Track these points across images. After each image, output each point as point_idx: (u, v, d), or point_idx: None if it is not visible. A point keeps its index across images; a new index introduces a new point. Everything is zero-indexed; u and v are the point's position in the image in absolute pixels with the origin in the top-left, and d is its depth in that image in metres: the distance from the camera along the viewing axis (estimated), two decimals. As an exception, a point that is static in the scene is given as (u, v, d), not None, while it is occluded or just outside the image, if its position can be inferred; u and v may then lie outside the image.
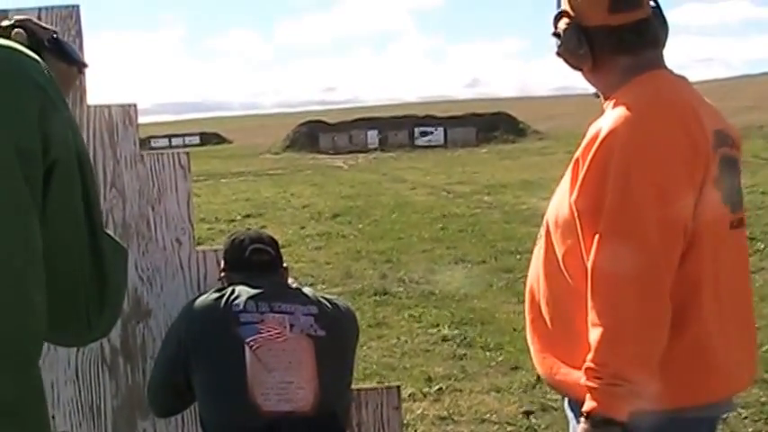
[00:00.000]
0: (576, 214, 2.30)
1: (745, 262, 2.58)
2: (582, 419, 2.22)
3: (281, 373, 2.83)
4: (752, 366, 2.62)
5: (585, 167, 2.26)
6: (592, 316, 2.21)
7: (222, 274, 3.22)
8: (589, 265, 2.24)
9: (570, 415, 2.52)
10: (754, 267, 10.34)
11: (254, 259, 3.11)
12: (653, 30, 2.45)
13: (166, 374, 3.03)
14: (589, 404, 2.20)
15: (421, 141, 54.61)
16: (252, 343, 2.85)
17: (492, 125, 56.32)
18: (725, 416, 5.45)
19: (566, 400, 2.57)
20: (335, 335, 2.97)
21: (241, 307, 2.91)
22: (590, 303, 2.22)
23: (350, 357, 3.09)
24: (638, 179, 2.19)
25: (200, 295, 3.07)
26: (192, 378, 2.92)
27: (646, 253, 2.18)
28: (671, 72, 2.47)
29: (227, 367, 2.87)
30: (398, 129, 56.95)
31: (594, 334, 2.19)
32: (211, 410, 2.90)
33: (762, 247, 11.48)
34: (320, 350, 2.90)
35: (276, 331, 2.88)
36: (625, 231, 2.19)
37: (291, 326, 2.90)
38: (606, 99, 2.45)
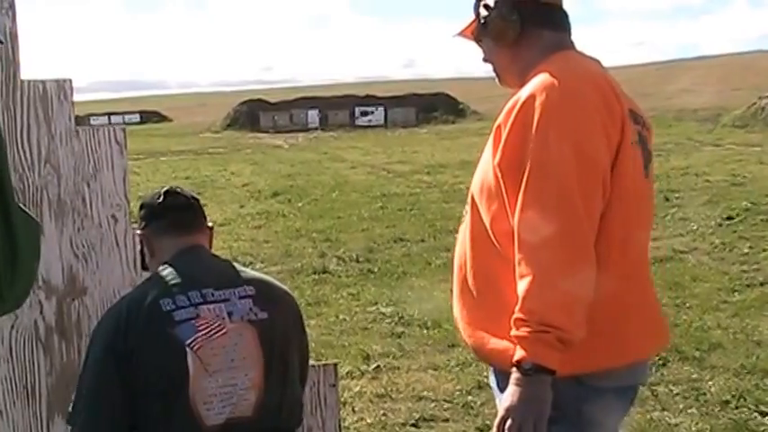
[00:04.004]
0: (499, 176, 2.39)
1: (649, 230, 2.68)
2: (513, 370, 2.26)
3: (224, 375, 2.58)
4: (662, 332, 2.72)
5: (507, 131, 2.37)
6: (519, 268, 2.27)
7: (140, 233, 2.91)
8: (515, 220, 2.31)
9: (495, 387, 2.57)
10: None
11: (169, 202, 2.82)
12: (568, 20, 2.62)
13: (102, 400, 2.59)
14: (519, 353, 2.24)
15: (361, 121, 54.58)
16: (193, 344, 2.56)
17: (432, 106, 56.41)
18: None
19: (491, 374, 2.62)
20: (277, 314, 2.74)
21: (172, 304, 2.60)
22: (517, 257, 2.28)
23: (296, 339, 2.86)
24: (556, 138, 2.28)
25: (118, 305, 2.73)
26: (133, 401, 2.58)
27: (567, 204, 2.25)
28: (584, 54, 2.60)
29: (168, 377, 2.56)
30: (339, 108, 56.87)
31: (522, 284, 2.25)
32: (148, 428, 2.60)
33: (694, 227, 11.68)
34: (264, 335, 2.66)
35: (215, 324, 2.60)
36: (546, 186, 2.27)
37: (230, 314, 2.64)
38: (522, 82, 2.51)
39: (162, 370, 2.57)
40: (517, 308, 2.25)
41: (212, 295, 2.65)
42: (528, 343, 2.22)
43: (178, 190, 2.88)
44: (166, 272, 2.71)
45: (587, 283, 2.26)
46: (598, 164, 2.31)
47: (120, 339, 2.57)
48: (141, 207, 2.90)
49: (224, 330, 2.61)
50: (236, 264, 2.89)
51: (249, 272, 2.86)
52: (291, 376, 2.79)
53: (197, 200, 2.93)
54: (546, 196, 2.26)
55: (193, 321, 2.59)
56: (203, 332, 2.59)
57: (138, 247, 3.09)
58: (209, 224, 2.95)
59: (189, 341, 2.56)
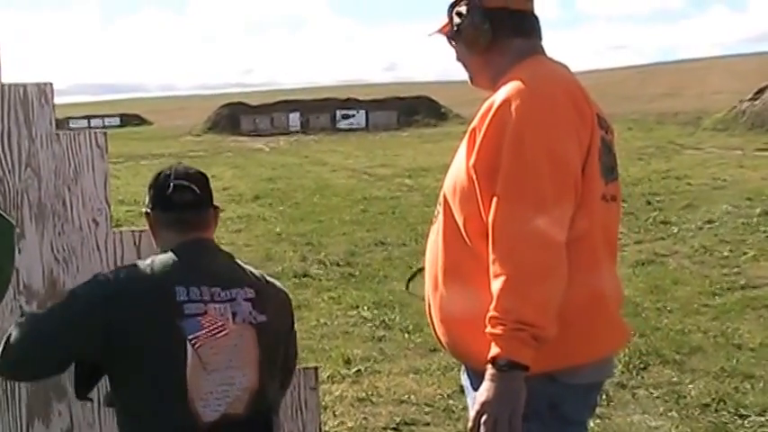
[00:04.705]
0: (474, 177, 2.44)
1: (617, 228, 2.72)
2: (488, 366, 2.30)
3: (222, 374, 2.62)
4: (626, 327, 2.76)
5: (482, 134, 2.42)
6: (494, 268, 2.32)
7: (147, 211, 2.86)
8: (490, 220, 2.35)
9: (468, 386, 2.62)
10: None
11: (176, 198, 2.77)
12: (539, 25, 2.68)
13: (65, 332, 2.60)
14: (494, 351, 2.29)
15: (343, 124, 54.64)
16: (194, 341, 2.58)
17: (413, 109, 56.54)
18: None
19: (463, 372, 2.69)
20: (274, 317, 2.79)
21: (186, 295, 2.61)
22: (491, 257, 2.33)
23: (287, 342, 2.94)
24: (531, 141, 2.34)
25: (132, 267, 2.76)
26: (112, 371, 2.65)
27: (540, 206, 2.30)
28: (554, 60, 2.66)
29: (166, 369, 2.58)
30: (320, 112, 56.91)
31: (497, 284, 2.30)
32: (142, 421, 2.63)
33: (675, 230, 11.74)
34: (262, 337, 2.71)
35: (219, 324, 2.63)
36: (521, 188, 2.32)
37: (234, 314, 2.67)
38: (494, 86, 2.55)
39: (159, 357, 2.59)
40: (492, 306, 2.29)
41: (219, 295, 2.68)
42: (503, 340, 2.27)
43: (185, 183, 2.80)
44: (178, 259, 2.71)
45: (559, 281, 2.31)
46: (570, 166, 2.38)
47: (115, 305, 2.58)
48: (152, 185, 2.86)
49: (226, 331, 2.65)
50: (238, 261, 2.90)
51: (251, 271, 2.89)
52: (277, 375, 2.87)
53: (205, 184, 2.87)
54: (520, 198, 2.31)
55: (200, 318, 2.62)
56: (207, 330, 2.62)
57: (119, 252, 3.19)
58: (216, 205, 2.91)
59: (191, 337, 2.59)
